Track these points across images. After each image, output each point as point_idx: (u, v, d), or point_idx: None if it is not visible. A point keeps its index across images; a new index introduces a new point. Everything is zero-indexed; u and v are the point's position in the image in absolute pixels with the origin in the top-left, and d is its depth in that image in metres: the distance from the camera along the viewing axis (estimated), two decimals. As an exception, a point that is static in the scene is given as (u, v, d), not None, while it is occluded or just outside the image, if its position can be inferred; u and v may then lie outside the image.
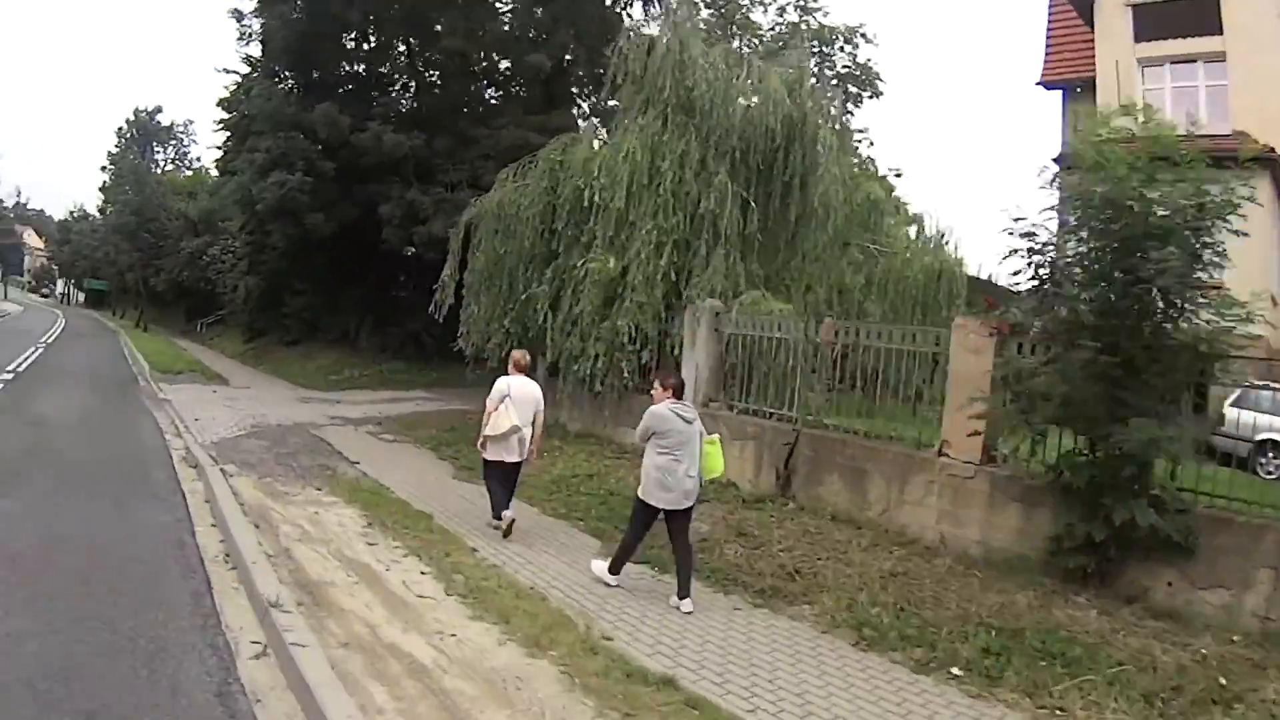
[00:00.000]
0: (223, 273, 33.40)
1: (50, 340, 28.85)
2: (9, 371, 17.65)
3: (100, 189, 48.33)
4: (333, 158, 19.83)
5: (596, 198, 10.99)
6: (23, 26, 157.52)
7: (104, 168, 46.26)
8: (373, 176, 19.91)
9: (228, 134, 25.63)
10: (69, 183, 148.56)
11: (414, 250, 20.22)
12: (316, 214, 19.93)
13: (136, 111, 45.20)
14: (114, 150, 45.82)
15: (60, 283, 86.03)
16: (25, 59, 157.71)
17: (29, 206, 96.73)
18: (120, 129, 45.26)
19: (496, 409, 7.36)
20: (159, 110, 46.30)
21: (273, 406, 15.26)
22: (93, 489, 8.12)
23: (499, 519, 7.27)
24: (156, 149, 46.41)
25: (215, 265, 34.74)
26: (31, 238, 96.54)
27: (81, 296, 76.29)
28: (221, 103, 25.17)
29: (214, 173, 47.69)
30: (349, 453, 10.89)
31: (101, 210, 54.90)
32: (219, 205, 37.47)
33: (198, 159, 53.77)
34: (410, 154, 19.50)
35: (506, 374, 7.68)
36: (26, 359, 21.10)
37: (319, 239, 20.80)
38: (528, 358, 7.89)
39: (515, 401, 7.37)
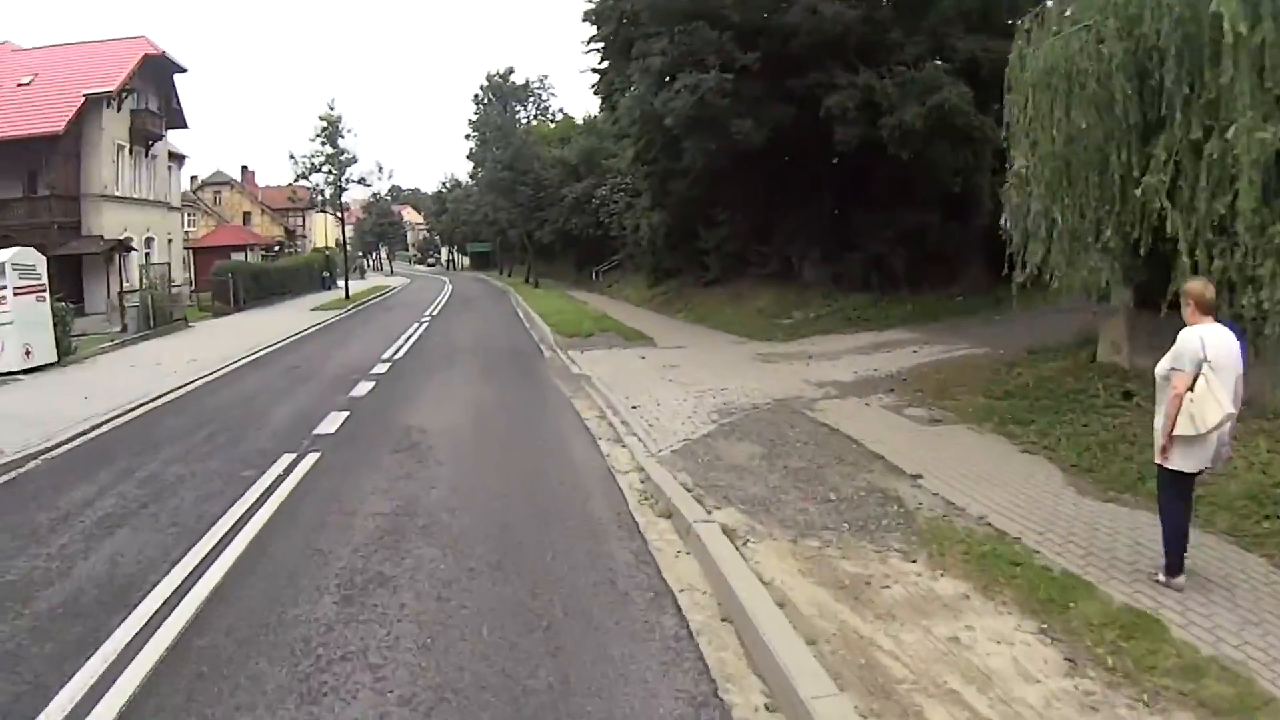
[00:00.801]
0: (616, 214, 36.10)
1: (435, 311, 32.44)
2: (384, 361, 18.14)
3: (468, 156, 56.09)
4: (752, 46, 18.86)
5: (1239, 27, 8.13)
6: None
7: (468, 135, 53.49)
8: (809, 63, 18.59)
9: (602, 52, 25.63)
10: (433, 161, 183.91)
11: (864, 151, 18.72)
12: (743, 120, 18.97)
13: (489, 76, 51.02)
14: (474, 117, 51.53)
15: (444, 250, 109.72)
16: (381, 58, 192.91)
17: (403, 188, 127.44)
18: (476, 95, 51.99)
19: (1192, 385, 5.34)
20: (511, 71, 51.47)
21: (728, 373, 14.14)
22: (501, 617, 5.59)
23: (1175, 575, 5.55)
24: (516, 108, 51.40)
25: (606, 207, 38.14)
26: (410, 214, 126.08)
27: (466, 260, 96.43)
28: (589, 16, 24.90)
29: (579, 120, 53.96)
30: (892, 455, 8.85)
31: (472, 175, 64.44)
32: (599, 142, 41.59)
33: (559, 111, 60.16)
34: (850, 28, 17.88)
35: (1194, 323, 5.59)
36: (408, 340, 22.38)
37: (746, 152, 19.84)
38: (1212, 290, 5.76)
39: (1216, 369, 5.34)
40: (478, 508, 8.01)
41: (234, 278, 38.61)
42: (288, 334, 25.25)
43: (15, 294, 19.03)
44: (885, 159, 18.01)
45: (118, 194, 38.53)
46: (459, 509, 7.96)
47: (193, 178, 76.09)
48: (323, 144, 41.99)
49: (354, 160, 42.84)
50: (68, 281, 35.13)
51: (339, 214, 47.20)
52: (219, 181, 77.74)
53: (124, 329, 27.21)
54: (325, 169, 42.41)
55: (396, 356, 18.94)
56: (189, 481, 9.40)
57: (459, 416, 12.21)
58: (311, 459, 9.98)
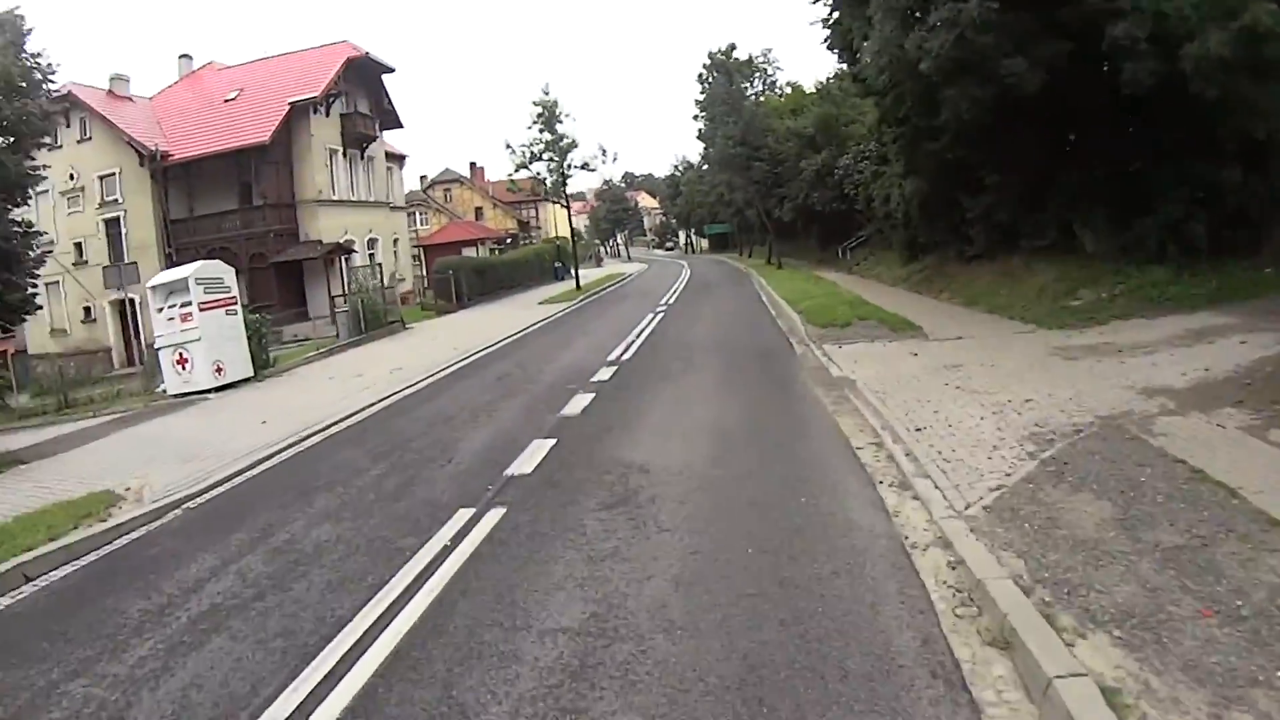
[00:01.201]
0: (861, 184, 34.65)
1: (671, 300, 30.70)
2: (609, 364, 16.08)
3: (698, 136, 56.23)
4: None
5: None
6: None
7: (695, 116, 54.14)
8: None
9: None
10: (664, 145, 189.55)
11: (1157, 92, 15.50)
12: (1014, 59, 16.20)
13: (711, 54, 50.42)
14: (700, 97, 51.21)
15: (680, 234, 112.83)
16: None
17: (637, 173, 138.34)
18: (700, 74, 51.49)
19: None
20: (733, 48, 51.29)
21: (1026, 376, 11.16)
22: None
23: None
24: (743, 84, 50.54)
25: (850, 178, 36.64)
26: (645, 199, 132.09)
27: (704, 243, 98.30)
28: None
29: (810, 90, 53.75)
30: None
31: (703, 156, 65.27)
32: (835, 109, 41.55)
33: (786, 86, 58.77)
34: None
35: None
36: (639, 335, 20.34)
37: (1016, 101, 17.37)
38: None
39: None
40: (711, 624, 5.29)
41: (455, 275, 38.84)
42: (508, 333, 24.14)
43: (202, 309, 18.87)
44: (1181, 101, 14.85)
45: (334, 198, 40.22)
46: (683, 627, 5.28)
47: (422, 177, 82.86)
48: (540, 131, 41.58)
49: (574, 145, 42.18)
50: (290, 288, 36.97)
51: (564, 202, 46.86)
52: (448, 179, 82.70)
53: (338, 335, 27.48)
54: (546, 156, 42.00)
55: (624, 358, 16.79)
56: (328, 554, 7.45)
57: (691, 447, 9.53)
58: (493, 518, 7.70)
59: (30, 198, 32.03)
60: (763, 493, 7.69)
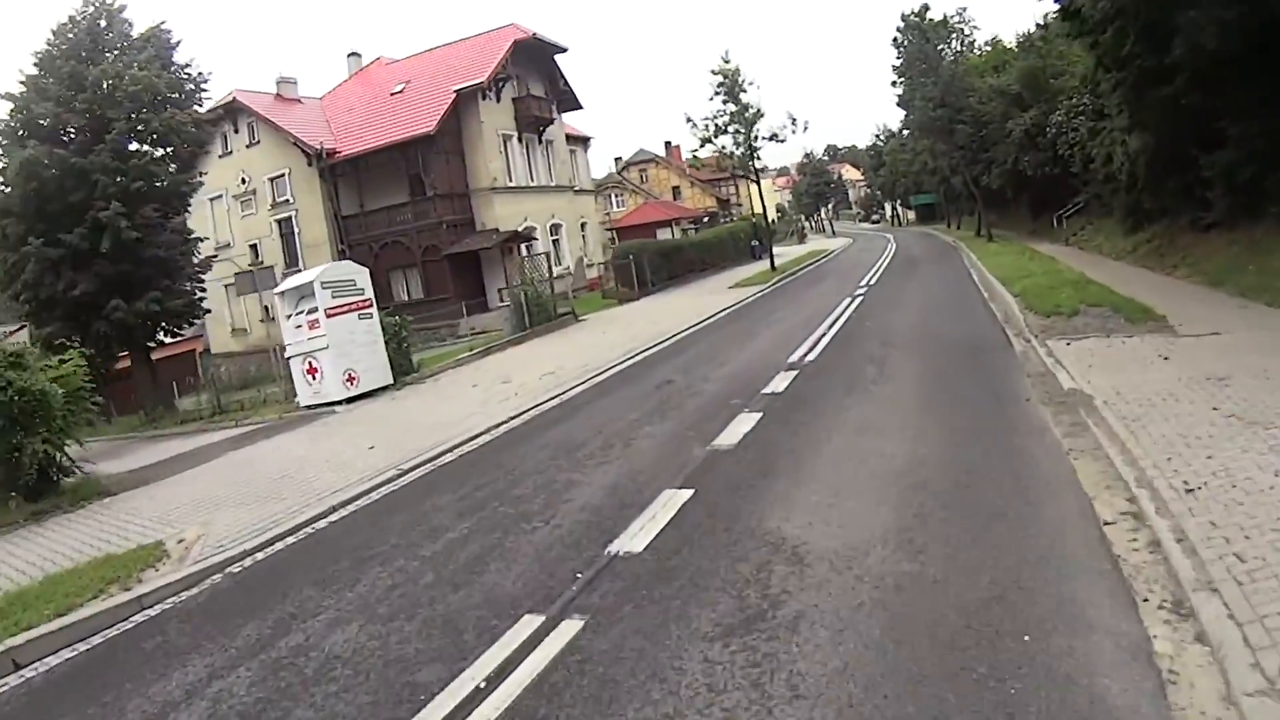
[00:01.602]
0: (1076, 143, 32.11)
1: (873, 280, 27.61)
2: (789, 368, 13.14)
3: (897, 103, 53.52)
4: None
5: None
6: None
7: (894, 82, 52.20)
8: None
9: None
10: (866, 115, 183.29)
11: None
12: None
13: (904, 17, 46.58)
14: (896, 62, 48.11)
15: (886, 206, 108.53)
16: None
17: (839, 145, 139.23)
18: (894, 39, 48.29)
19: None
20: (926, 8, 47.91)
21: None
22: None
23: None
24: (940, 46, 47.22)
25: (1063, 136, 33.86)
26: (849, 171, 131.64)
27: (910, 215, 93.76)
28: None
29: (1010, 44, 52.24)
30: None
31: (904, 124, 62.57)
32: (1042, 61, 39.26)
33: (985, 45, 55.95)
34: None
35: None
36: (831, 326, 17.26)
37: (1268, 27, 15.01)
38: None
39: None
40: None
41: (635, 259, 36.62)
42: (684, 325, 21.73)
43: (329, 314, 17.77)
44: None
45: (510, 184, 39.18)
46: None
47: (617, 159, 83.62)
48: (724, 102, 39.19)
49: (760, 115, 39.36)
50: (466, 279, 36.15)
51: (753, 176, 43.95)
52: (643, 159, 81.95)
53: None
54: (731, 129, 39.28)
55: (808, 358, 13.88)
56: (325, 683, 5.33)
57: (870, 515, 6.59)
58: (560, 638, 5.28)
59: (189, 206, 33.01)
60: (964, 619, 4.75)
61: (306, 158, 37.02)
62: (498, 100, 39.14)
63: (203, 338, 45.21)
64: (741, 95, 38.73)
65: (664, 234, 59.98)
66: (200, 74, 31.16)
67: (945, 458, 7.79)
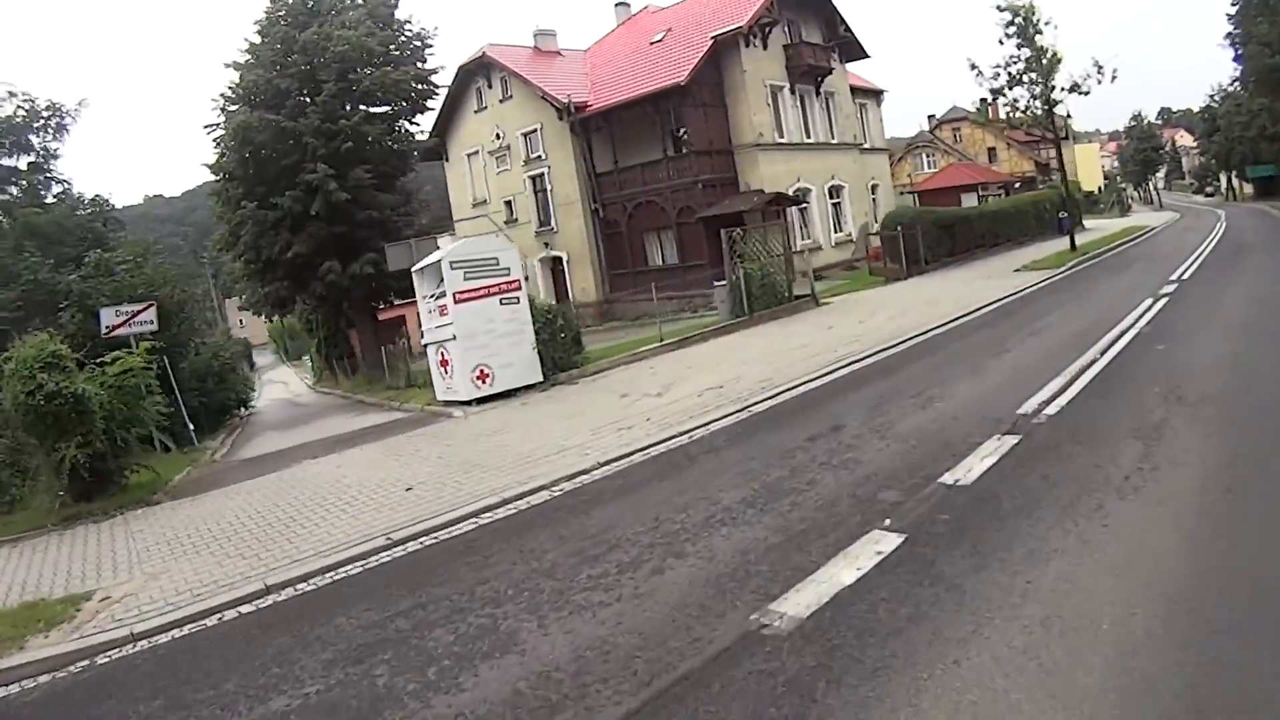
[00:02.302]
0: None
1: (1189, 271, 20.67)
2: (1010, 429, 8.14)
3: (1233, 58, 44.11)
4: None
5: None
6: None
7: (1227, 35, 41.37)
8: None
9: None
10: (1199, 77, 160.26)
11: None
12: None
13: None
14: (1231, 10, 40.15)
15: (1221, 177, 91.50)
16: None
17: (1174, 109, 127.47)
18: None
19: None
20: None
21: None
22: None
23: None
24: None
25: None
26: (1182, 138, 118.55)
27: (1249, 187, 77.95)
28: None
29: None
30: None
31: (1239, 79, 54.55)
32: None
33: None
34: None
35: None
36: (1110, 343, 11.82)
37: None
38: None
39: None
40: None
41: (904, 233, 30.45)
42: (931, 324, 16.63)
43: (459, 299, 15.01)
44: None
45: (780, 141, 34.84)
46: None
47: (930, 116, 77.33)
48: (1018, 46, 31.51)
49: (1058, 60, 30.82)
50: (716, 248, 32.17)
51: (1052, 134, 35.56)
52: (957, 117, 73.62)
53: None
54: (1026, 78, 31.84)
55: (1046, 411, 8.63)
56: None
57: None
58: None
59: (411, 167, 31.99)
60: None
61: (557, 112, 34.59)
62: (764, 47, 34.38)
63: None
64: (1037, 38, 30.77)
65: (969, 200, 52.77)
66: (423, 30, 30.19)
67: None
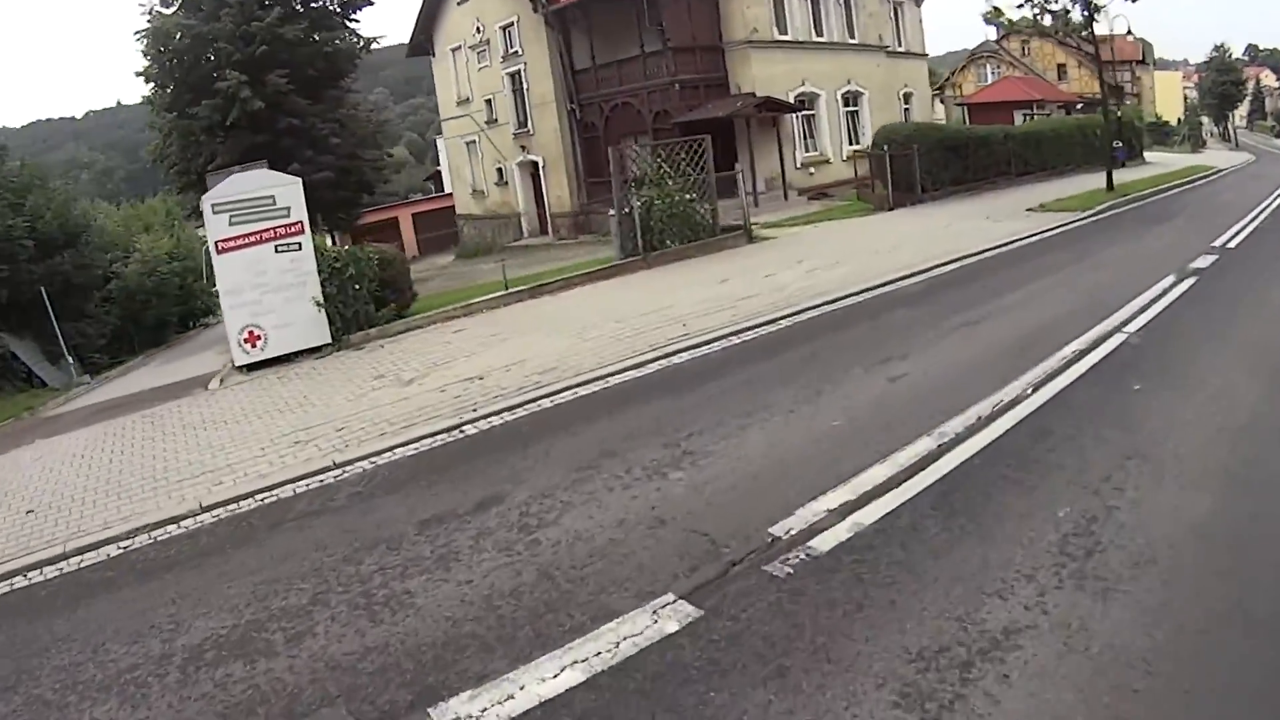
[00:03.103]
0: None
1: (1236, 236, 14.68)
2: (897, 481, 4.89)
3: None
4: None
5: None
6: None
7: None
8: None
9: None
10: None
11: None
12: None
13: None
14: None
15: None
16: None
17: (1261, 46, 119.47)
18: None
19: None
20: None
21: None
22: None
23: None
24: None
25: None
26: (1267, 77, 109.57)
27: None
28: None
29: None
30: None
31: None
32: None
33: None
34: None
35: None
36: (1106, 334, 7.89)
37: None
38: None
39: None
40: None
41: (892, 154, 24.40)
42: (862, 284, 12.13)
43: (223, 248, 11.88)
44: None
45: (779, 38, 29.25)
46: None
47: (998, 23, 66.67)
48: None
49: None
50: (726, 157, 27.22)
51: (1092, 46, 28.60)
52: (1030, 29, 64.92)
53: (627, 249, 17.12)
54: None
55: (970, 452, 5.23)
56: None
57: None
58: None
59: (349, 72, 27.70)
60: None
61: (531, 3, 29.65)
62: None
63: (451, 196, 42.11)
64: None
65: (1020, 119, 45.41)
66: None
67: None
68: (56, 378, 18.65)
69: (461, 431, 7.45)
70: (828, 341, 9.15)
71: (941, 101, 54.52)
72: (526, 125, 32.34)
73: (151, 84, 25.52)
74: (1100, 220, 19.20)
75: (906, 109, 36.51)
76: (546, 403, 7.97)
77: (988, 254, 14.41)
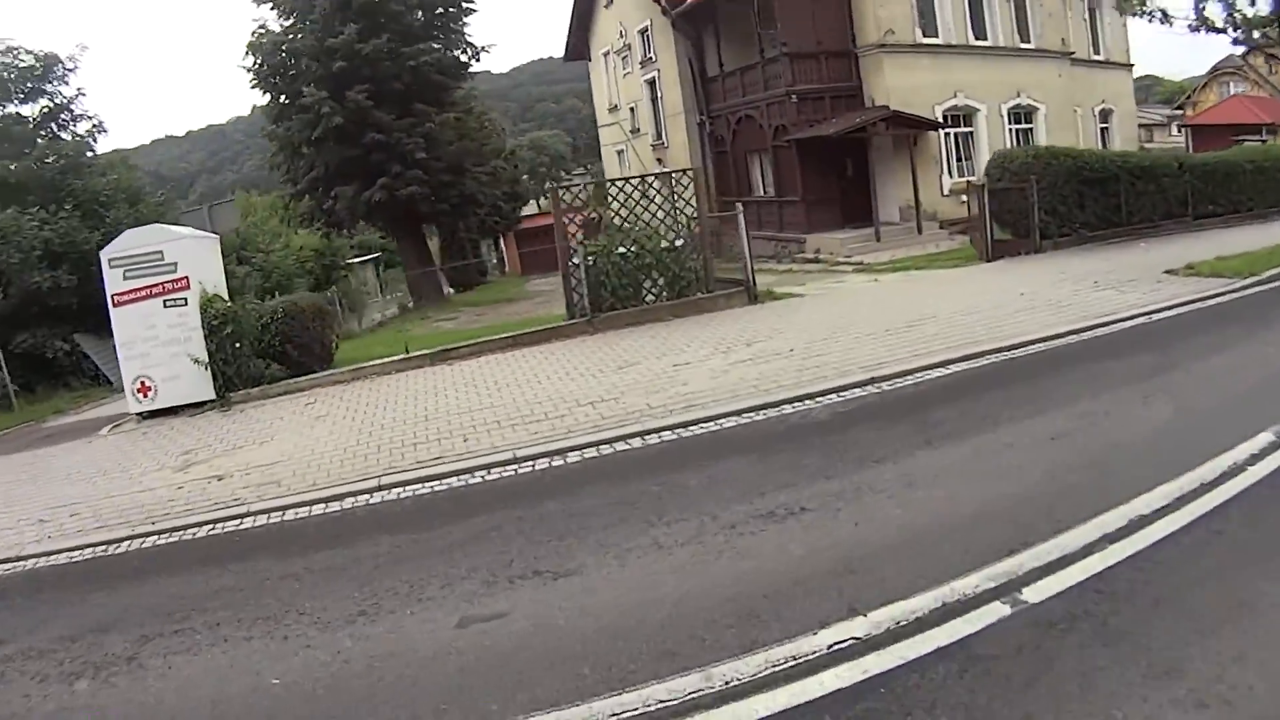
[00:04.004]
0: None
1: None
2: None
3: None
4: None
5: None
6: None
7: None
8: None
9: None
10: None
11: None
12: None
13: None
14: None
15: None
16: None
17: None
18: None
19: None
20: None
21: None
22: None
23: None
24: None
25: None
26: None
27: None
28: None
29: None
30: None
31: None
32: None
33: None
34: None
35: None
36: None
37: None
38: None
39: None
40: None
41: (988, 189, 18.69)
42: (860, 374, 8.86)
43: (118, 301, 12.28)
44: None
45: (921, 41, 25.42)
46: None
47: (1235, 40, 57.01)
48: None
49: None
50: (835, 178, 25.08)
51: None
52: (1271, 42, 54.96)
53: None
54: None
55: None
56: None
57: None
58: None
59: (455, 85, 28.34)
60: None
61: (660, 6, 28.05)
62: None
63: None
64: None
65: (1251, 142, 37.36)
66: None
67: None
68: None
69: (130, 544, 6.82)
70: (600, 498, 6.34)
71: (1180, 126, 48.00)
72: (662, 137, 31.33)
73: (267, 95, 26.87)
74: (1260, 294, 12.35)
75: (1104, 128, 31.28)
76: (232, 524, 6.92)
77: (1036, 347, 9.64)
